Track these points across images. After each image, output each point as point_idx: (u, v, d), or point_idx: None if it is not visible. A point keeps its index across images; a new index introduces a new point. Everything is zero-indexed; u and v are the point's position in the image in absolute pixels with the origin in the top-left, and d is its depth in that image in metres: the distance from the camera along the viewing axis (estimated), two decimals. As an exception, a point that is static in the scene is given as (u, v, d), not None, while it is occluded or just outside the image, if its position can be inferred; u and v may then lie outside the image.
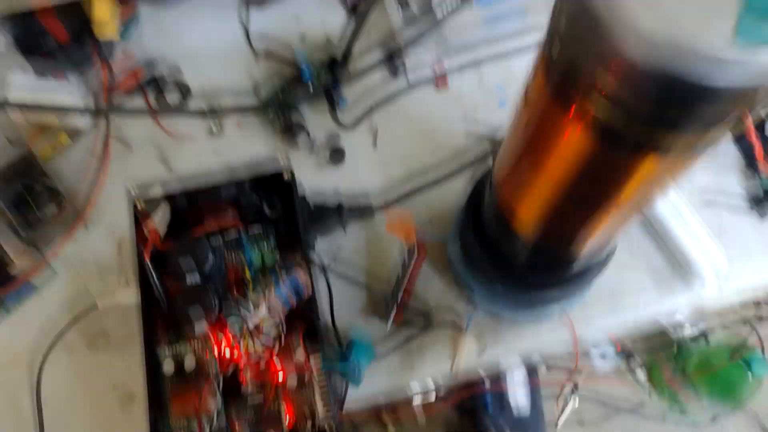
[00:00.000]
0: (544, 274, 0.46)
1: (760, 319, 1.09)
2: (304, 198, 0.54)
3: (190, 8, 0.70)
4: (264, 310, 0.45)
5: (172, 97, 0.65)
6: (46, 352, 0.50)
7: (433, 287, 0.56)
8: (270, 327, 0.46)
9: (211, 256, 0.47)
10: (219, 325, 0.46)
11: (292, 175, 0.52)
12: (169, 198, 0.51)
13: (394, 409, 1.09)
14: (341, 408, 0.48)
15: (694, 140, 0.27)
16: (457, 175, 0.60)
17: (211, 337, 0.47)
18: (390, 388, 0.53)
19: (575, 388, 0.74)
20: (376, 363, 0.51)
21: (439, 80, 0.65)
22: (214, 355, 0.46)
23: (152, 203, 0.51)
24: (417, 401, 1.08)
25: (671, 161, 0.29)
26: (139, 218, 0.50)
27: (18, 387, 0.54)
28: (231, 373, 0.47)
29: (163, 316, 0.48)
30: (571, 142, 0.30)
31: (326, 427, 0.45)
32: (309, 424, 0.45)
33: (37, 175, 0.59)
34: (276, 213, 0.52)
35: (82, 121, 0.62)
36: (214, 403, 0.46)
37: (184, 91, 0.65)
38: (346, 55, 0.64)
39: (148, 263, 0.46)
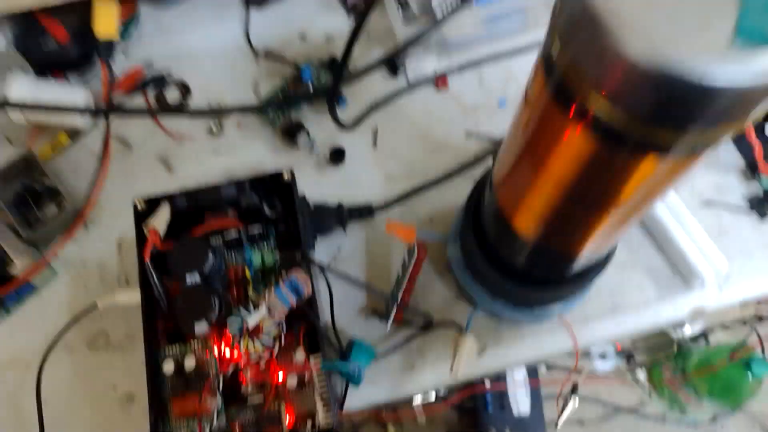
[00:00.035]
0: (543, 275, 0.46)
1: (760, 319, 1.09)
2: (304, 198, 0.54)
3: (190, 8, 0.70)
4: (264, 310, 0.45)
5: (173, 96, 0.65)
6: (46, 352, 0.50)
7: (433, 287, 0.56)
8: (270, 327, 0.45)
9: (210, 257, 0.47)
10: (219, 325, 0.46)
11: (292, 175, 0.52)
12: (169, 198, 0.51)
13: (394, 409, 1.09)
14: (341, 408, 0.48)
15: (695, 140, 0.27)
16: (457, 176, 0.60)
17: (211, 338, 0.47)
18: (390, 389, 0.53)
19: (575, 388, 0.74)
20: (376, 363, 0.51)
21: (439, 80, 0.65)
22: (214, 356, 0.46)
23: (152, 203, 0.51)
24: (417, 401, 1.08)
25: (671, 162, 0.29)
26: (139, 218, 0.50)
27: (18, 387, 0.54)
28: (231, 373, 0.47)
29: (163, 316, 0.48)
30: (571, 143, 0.30)
31: (326, 427, 0.45)
32: (309, 424, 0.45)
33: (37, 175, 0.59)
34: (276, 213, 0.52)
35: (82, 121, 0.62)
36: (214, 403, 0.46)
37: (184, 90, 0.65)
38: (346, 55, 0.64)
39: (148, 264, 0.46)
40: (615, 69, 0.24)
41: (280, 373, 0.46)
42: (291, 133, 0.62)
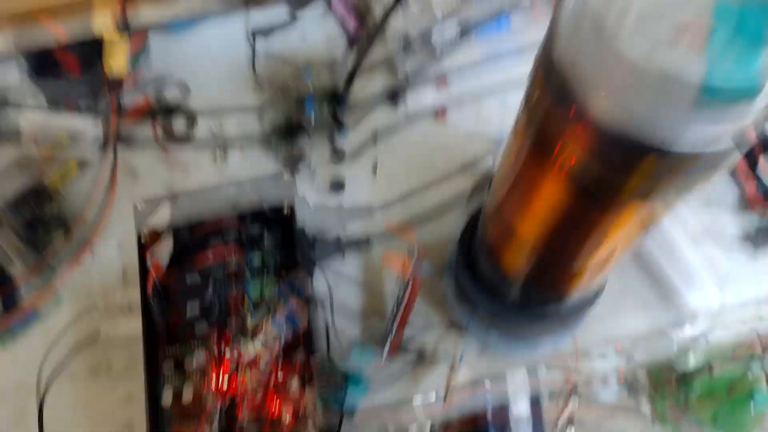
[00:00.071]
0: (534, 311, 0.47)
1: (765, 351, 1.08)
2: (303, 230, 0.56)
3: (198, 36, 0.72)
4: (261, 342, 0.46)
5: (179, 125, 0.67)
6: (50, 379, 0.51)
7: (427, 320, 0.57)
8: (266, 359, 0.46)
9: (211, 289, 0.48)
10: (217, 357, 0.47)
11: (292, 210, 0.53)
12: (174, 230, 0.52)
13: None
14: (336, 438, 0.49)
15: (665, 190, 0.27)
16: (453, 208, 0.61)
17: (209, 369, 0.48)
18: (384, 419, 0.54)
19: (572, 421, 0.74)
20: (370, 395, 0.52)
21: (439, 113, 0.67)
22: (211, 388, 0.47)
23: (156, 235, 0.52)
24: None
25: (649, 207, 0.30)
26: (143, 250, 0.52)
27: (22, 412, 0.55)
28: (228, 405, 0.48)
29: (163, 346, 0.50)
30: (552, 186, 0.31)
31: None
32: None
33: (47, 203, 0.61)
34: (276, 244, 0.53)
35: (90, 151, 0.64)
36: (211, 433, 0.47)
37: (191, 119, 0.67)
38: (348, 87, 0.66)
39: (151, 296, 0.47)
40: (584, 130, 0.25)
41: (276, 404, 0.47)
42: (293, 162, 0.64)
